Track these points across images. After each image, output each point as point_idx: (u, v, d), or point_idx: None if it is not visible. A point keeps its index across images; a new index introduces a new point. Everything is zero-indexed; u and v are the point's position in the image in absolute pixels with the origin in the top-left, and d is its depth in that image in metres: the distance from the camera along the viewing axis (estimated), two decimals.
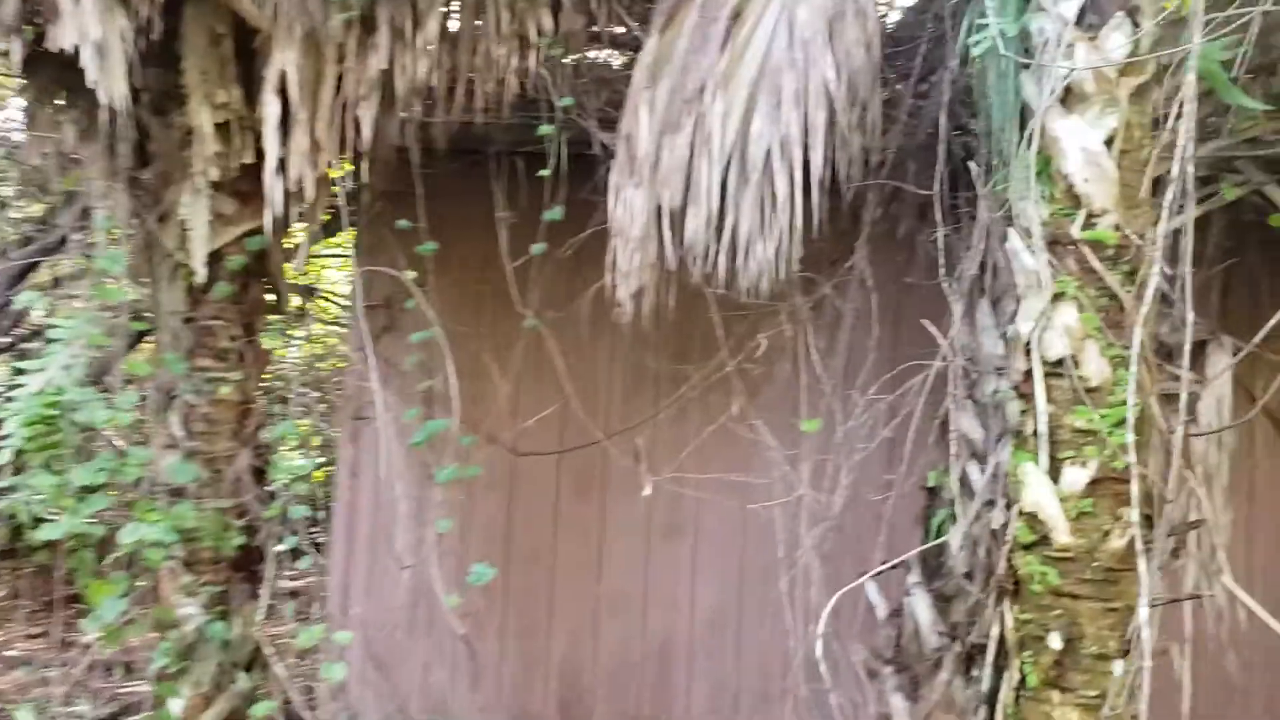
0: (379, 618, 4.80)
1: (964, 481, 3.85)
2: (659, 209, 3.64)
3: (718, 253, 3.48)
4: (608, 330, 4.63)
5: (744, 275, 3.51)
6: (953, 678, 3.66)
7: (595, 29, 4.45)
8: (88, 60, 3.42)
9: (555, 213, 4.00)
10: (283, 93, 3.79)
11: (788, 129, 3.35)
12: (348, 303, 7.58)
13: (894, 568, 4.25)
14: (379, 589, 4.95)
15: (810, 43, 3.39)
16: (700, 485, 4.48)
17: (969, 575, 3.70)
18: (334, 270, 8.53)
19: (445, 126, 4.05)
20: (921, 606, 3.84)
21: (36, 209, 6.84)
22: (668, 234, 3.54)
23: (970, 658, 3.70)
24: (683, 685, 5.11)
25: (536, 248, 4.00)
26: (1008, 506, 3.77)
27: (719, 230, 3.51)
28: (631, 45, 4.98)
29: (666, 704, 5.11)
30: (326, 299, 8.43)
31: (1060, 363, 2.88)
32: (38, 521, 4.01)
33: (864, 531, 4.12)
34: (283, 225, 4.22)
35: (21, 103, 4.07)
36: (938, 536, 3.93)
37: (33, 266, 6.11)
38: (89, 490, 3.79)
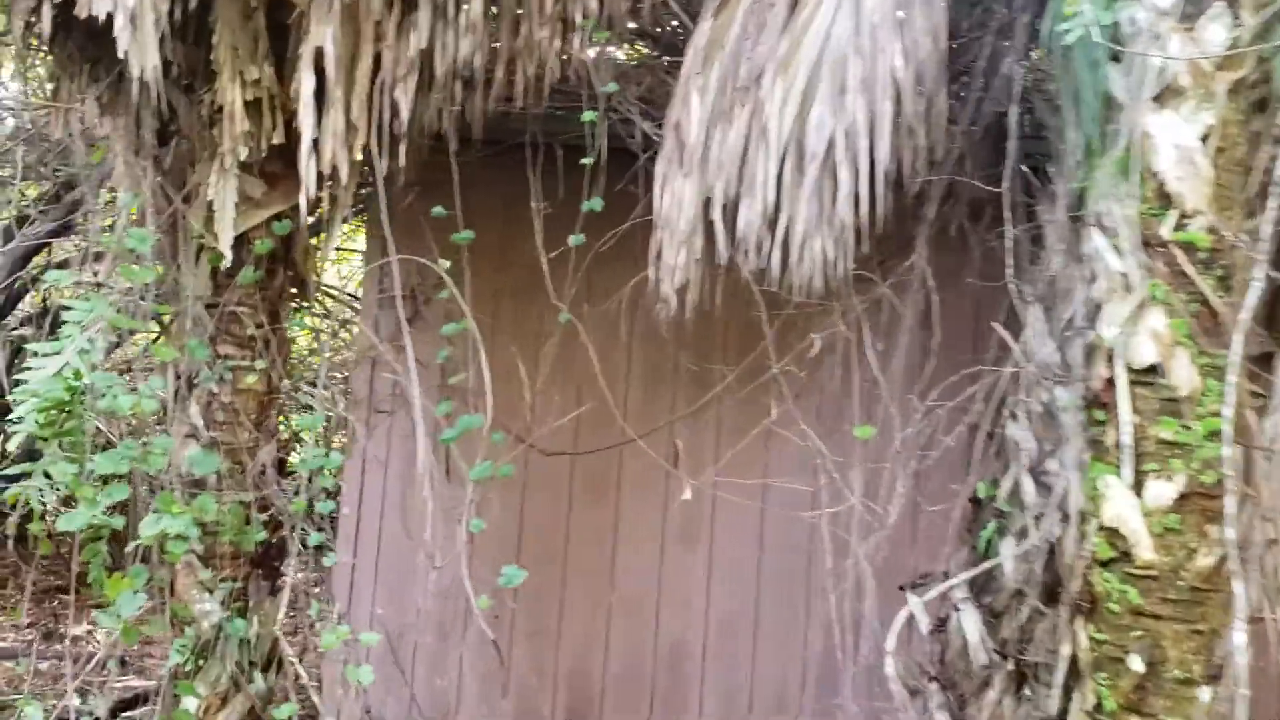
0: (389, 617, 4.63)
1: (1016, 493, 3.72)
2: (707, 201, 3.49)
3: (771, 247, 3.33)
4: (634, 327, 4.48)
5: (798, 272, 3.36)
6: (1002, 697, 3.53)
7: (634, 24, 4.30)
8: (120, 29, 3.25)
9: (595, 203, 3.85)
10: (317, 72, 3.63)
11: (854, 118, 3.20)
12: (356, 293, 7.41)
13: (936, 580, 4.15)
14: (386, 588, 4.79)
15: (879, 29, 3.24)
16: (739, 491, 4.32)
17: (1021, 590, 3.58)
18: (335, 263, 8.33)
19: (482, 112, 3.88)
20: (970, 622, 3.70)
21: (33, 191, 6.65)
22: (720, 227, 3.39)
23: (1022, 676, 3.57)
24: (695, 692, 4.96)
25: (575, 239, 3.84)
26: (1065, 520, 3.65)
27: (772, 224, 3.37)
28: (668, 39, 4.84)
29: (678, 711, 4.96)
30: (329, 292, 8.24)
31: (1149, 370, 2.73)
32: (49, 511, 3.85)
33: (899, 541, 3.99)
34: (309, 209, 4.07)
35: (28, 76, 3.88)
36: (986, 549, 3.80)
37: (39, 249, 5.93)
38: (107, 480, 3.63)
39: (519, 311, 4.65)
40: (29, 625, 7.60)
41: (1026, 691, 3.56)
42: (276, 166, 4.00)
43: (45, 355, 3.83)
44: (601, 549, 4.93)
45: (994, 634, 3.68)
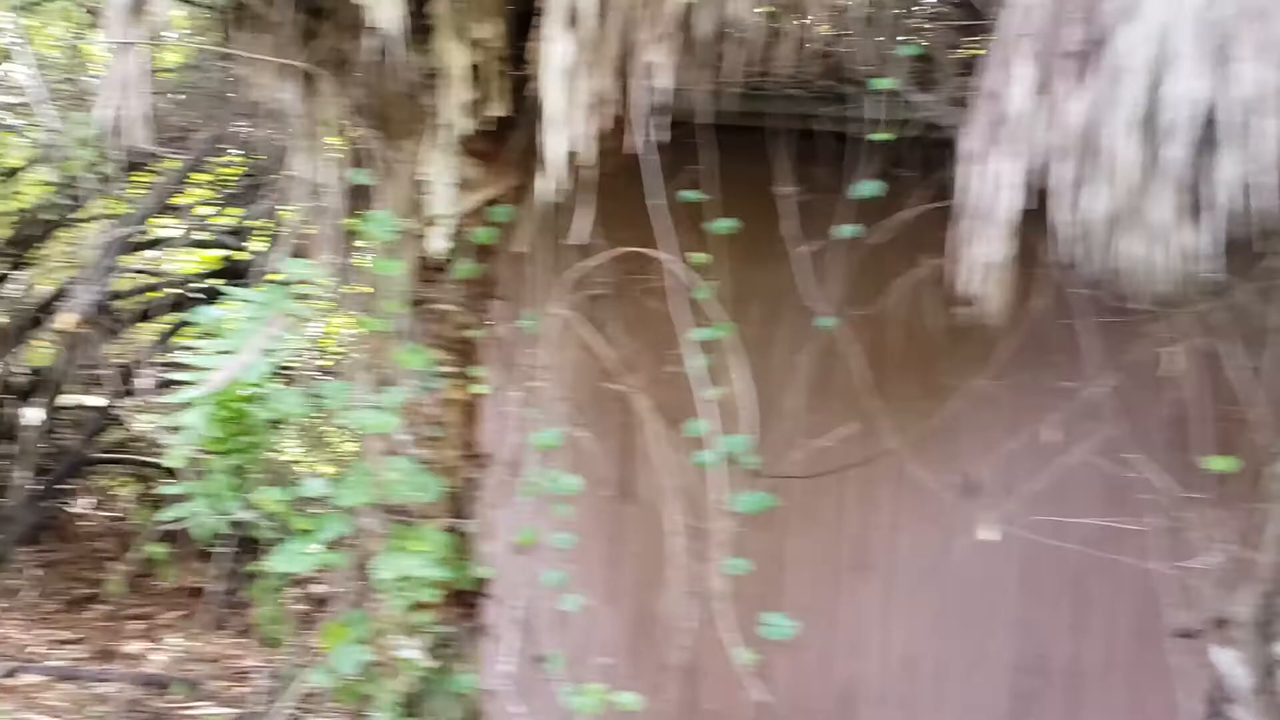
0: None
1: None
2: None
3: (1125, 243, 2.83)
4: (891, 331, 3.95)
5: (1144, 273, 2.86)
6: None
7: None
8: None
9: (871, 186, 3.32)
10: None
11: (1244, 92, 2.69)
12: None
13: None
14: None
15: None
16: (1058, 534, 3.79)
17: None
18: None
19: (739, 82, 3.34)
20: None
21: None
22: (1060, 216, 2.89)
23: None
24: None
25: (848, 229, 3.32)
26: None
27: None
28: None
29: None
30: None
31: None
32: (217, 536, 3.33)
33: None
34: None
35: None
36: None
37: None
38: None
39: (747, 315, 4.10)
40: (77, 641, 7.10)
41: None
42: (484, 144, 3.48)
43: (213, 354, 3.30)
44: (763, 578, 4.40)
45: None
